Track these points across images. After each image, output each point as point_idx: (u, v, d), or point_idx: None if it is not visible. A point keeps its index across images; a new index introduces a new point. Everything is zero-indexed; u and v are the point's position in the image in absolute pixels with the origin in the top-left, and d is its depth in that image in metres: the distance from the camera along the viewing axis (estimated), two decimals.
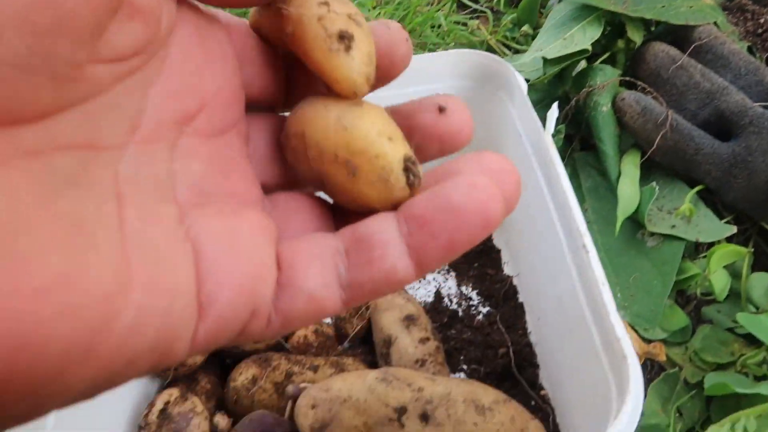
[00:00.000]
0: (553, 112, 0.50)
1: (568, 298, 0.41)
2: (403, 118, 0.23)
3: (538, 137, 0.47)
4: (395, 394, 0.42)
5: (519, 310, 0.55)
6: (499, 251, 0.61)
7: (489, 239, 0.63)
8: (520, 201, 0.51)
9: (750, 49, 0.70)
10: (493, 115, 0.56)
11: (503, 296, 0.56)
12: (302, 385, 0.46)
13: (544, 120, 0.47)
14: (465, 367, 0.52)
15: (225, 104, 0.20)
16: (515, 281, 0.57)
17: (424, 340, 0.49)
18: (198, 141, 0.19)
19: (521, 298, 0.56)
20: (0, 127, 0.13)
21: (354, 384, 0.43)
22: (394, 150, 0.20)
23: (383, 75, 0.23)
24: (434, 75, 0.55)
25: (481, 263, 0.61)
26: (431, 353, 0.49)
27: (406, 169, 0.20)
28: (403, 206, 0.19)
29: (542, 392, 0.49)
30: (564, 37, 0.69)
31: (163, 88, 0.18)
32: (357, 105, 0.21)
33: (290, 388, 0.45)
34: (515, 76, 0.51)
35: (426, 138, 0.22)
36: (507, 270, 0.59)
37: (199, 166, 0.19)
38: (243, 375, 0.48)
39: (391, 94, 0.55)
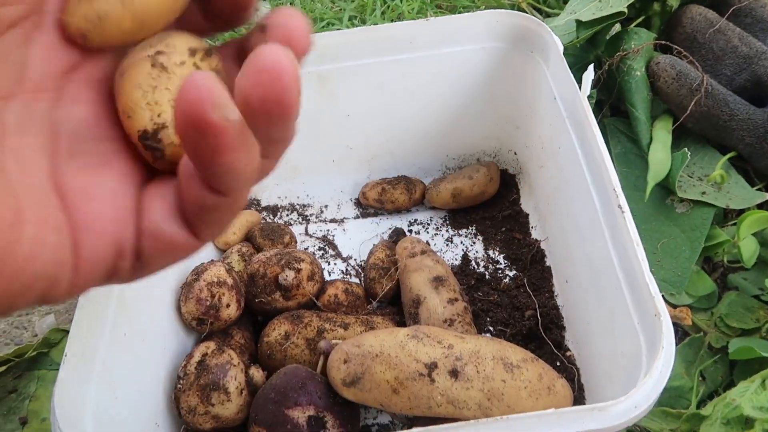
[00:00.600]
0: (589, 73, 0.49)
1: (599, 258, 0.42)
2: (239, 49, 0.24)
3: (573, 99, 0.46)
4: (426, 350, 0.43)
5: (546, 273, 0.56)
6: (527, 215, 0.62)
7: (516, 203, 0.63)
8: (553, 164, 0.51)
9: None
10: (527, 77, 0.56)
11: (530, 260, 0.57)
12: (334, 341, 0.47)
13: (578, 82, 0.47)
14: (491, 328, 0.53)
15: None
16: (543, 245, 0.58)
17: (452, 301, 0.50)
18: (85, 86, 0.21)
19: (549, 261, 0.57)
20: None
21: (385, 340, 0.44)
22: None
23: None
24: (469, 36, 0.55)
25: (508, 227, 0.61)
26: (460, 313, 0.50)
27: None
28: None
29: (568, 353, 0.50)
30: None
31: (48, 39, 0.20)
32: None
33: (323, 344, 0.47)
34: (552, 37, 0.51)
35: None
36: (535, 234, 0.60)
37: (82, 111, 0.21)
38: (276, 331, 0.49)
39: (425, 55, 0.56)
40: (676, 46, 0.62)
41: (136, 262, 0.21)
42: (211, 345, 0.48)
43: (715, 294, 0.56)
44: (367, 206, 0.65)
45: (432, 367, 0.43)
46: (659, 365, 0.31)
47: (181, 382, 0.46)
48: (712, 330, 0.54)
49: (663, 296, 0.54)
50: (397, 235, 0.61)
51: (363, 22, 0.85)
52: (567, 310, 0.52)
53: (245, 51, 0.23)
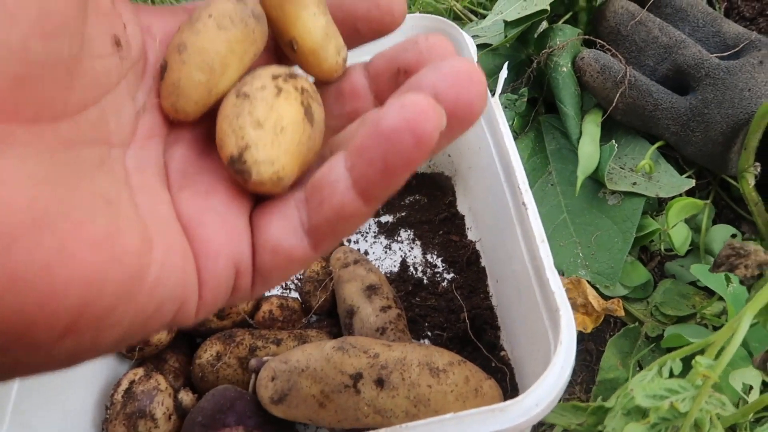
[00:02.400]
0: (503, 74, 0.49)
1: (515, 256, 0.42)
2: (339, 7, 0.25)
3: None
4: (351, 361, 0.43)
5: (481, 274, 0.56)
6: (463, 217, 0.62)
7: (453, 206, 0.63)
8: (477, 164, 0.51)
9: (709, 1, 0.69)
10: None
11: (466, 261, 0.57)
12: (265, 358, 0.46)
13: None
14: (429, 333, 0.53)
15: None
16: (478, 246, 0.58)
17: (385, 309, 0.50)
18: (184, 129, 0.23)
19: (483, 262, 0.57)
20: (46, 123, 0.17)
21: (312, 354, 0.44)
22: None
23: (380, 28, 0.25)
24: (388, 40, 0.55)
25: (445, 230, 0.61)
26: (392, 320, 0.49)
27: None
28: (352, 141, 0.20)
29: (502, 353, 0.50)
30: None
31: (150, 87, 0.23)
32: None
33: (253, 362, 0.46)
34: (465, 40, 0.51)
35: (359, 21, 0.25)
36: (471, 235, 0.60)
37: (185, 150, 0.23)
38: (208, 352, 0.49)
39: (349, 62, 0.56)
40: (598, 40, 0.63)
41: (255, 278, 0.22)
42: (139, 371, 0.47)
43: (651, 283, 0.56)
44: None
45: (357, 377, 0.42)
46: (558, 361, 0.31)
47: (108, 411, 0.45)
48: (648, 319, 0.54)
49: (598, 289, 0.54)
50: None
51: None
52: (500, 310, 0.52)
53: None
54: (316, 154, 0.23)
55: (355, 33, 0.25)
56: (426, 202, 0.64)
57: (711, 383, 0.27)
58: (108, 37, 0.20)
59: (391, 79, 0.24)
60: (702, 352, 0.30)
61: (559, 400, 0.33)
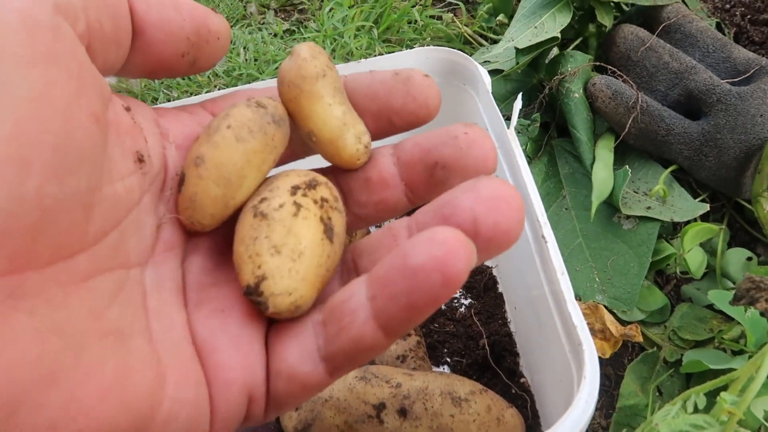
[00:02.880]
0: (517, 104, 0.50)
1: (535, 287, 0.42)
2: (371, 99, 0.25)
3: (501, 130, 0.47)
4: (374, 391, 0.43)
5: (499, 300, 0.56)
6: None
7: None
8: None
9: (719, 25, 0.70)
10: (463, 109, 0.57)
11: (483, 287, 0.57)
12: None
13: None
14: (448, 359, 0.54)
15: None
16: (495, 272, 0.58)
17: (405, 336, 0.51)
18: (202, 237, 0.23)
19: (500, 288, 0.57)
20: (62, 260, 0.16)
21: (335, 384, 0.45)
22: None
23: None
24: None
25: None
26: (412, 348, 0.50)
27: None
28: (374, 268, 0.19)
29: (522, 380, 0.50)
30: (535, 25, 0.69)
31: (169, 200, 0.22)
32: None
33: None
34: (479, 71, 0.52)
35: (394, 114, 0.25)
36: (487, 261, 0.60)
37: (202, 260, 0.22)
38: None
39: None
40: (609, 66, 0.64)
41: (269, 404, 0.21)
42: None
43: (668, 307, 0.56)
44: None
45: (380, 407, 0.43)
46: (583, 396, 0.31)
47: None
48: (666, 344, 0.54)
49: (615, 314, 0.55)
50: None
51: None
52: (519, 336, 0.52)
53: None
54: (336, 267, 0.23)
55: (389, 125, 0.25)
56: None
57: (736, 419, 0.27)
58: (130, 155, 0.19)
59: (426, 170, 0.23)
60: (726, 387, 0.31)
61: None
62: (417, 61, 0.55)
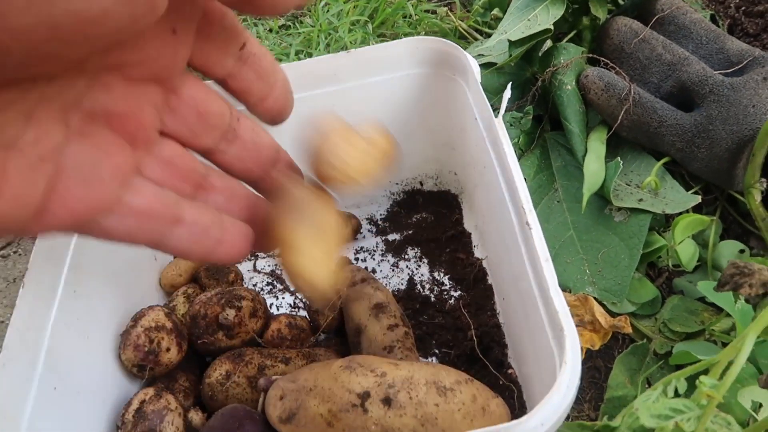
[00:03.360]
0: (507, 93, 0.50)
1: (521, 275, 0.42)
2: None
3: (489, 120, 0.47)
4: (358, 380, 0.43)
5: (488, 291, 0.56)
6: (469, 235, 0.62)
7: (459, 223, 0.63)
8: (482, 183, 0.52)
9: (713, 17, 0.70)
10: (454, 99, 0.56)
11: (473, 279, 0.57)
12: (273, 377, 0.47)
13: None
14: (437, 351, 0.53)
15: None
16: (485, 264, 0.58)
17: (392, 327, 0.50)
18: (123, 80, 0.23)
19: (490, 279, 0.57)
20: None
21: (320, 373, 0.44)
22: None
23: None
24: (391, 64, 0.56)
25: (452, 248, 0.61)
26: (400, 339, 0.50)
27: None
28: None
29: (509, 371, 0.50)
30: (528, 18, 0.69)
31: None
32: None
33: (261, 381, 0.46)
34: (468, 61, 0.51)
35: None
36: (477, 253, 0.60)
37: (108, 96, 0.22)
38: (217, 371, 0.49)
39: (351, 85, 0.57)
40: (602, 58, 0.64)
41: None
42: (150, 391, 0.47)
43: (659, 299, 0.56)
44: None
45: (365, 396, 0.42)
46: (564, 380, 0.31)
47: (119, 431, 0.46)
48: (656, 336, 0.54)
49: (605, 305, 0.54)
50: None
51: (309, 55, 0.87)
52: (508, 328, 0.52)
53: None
54: None
55: None
56: (433, 219, 0.64)
57: (716, 403, 0.27)
58: None
59: None
60: (707, 371, 0.30)
61: (566, 419, 0.34)
62: (407, 51, 0.55)
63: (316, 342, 0.55)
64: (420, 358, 0.51)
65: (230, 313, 0.52)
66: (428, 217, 0.65)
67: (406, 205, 0.66)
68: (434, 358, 0.53)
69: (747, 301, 0.35)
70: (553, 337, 0.36)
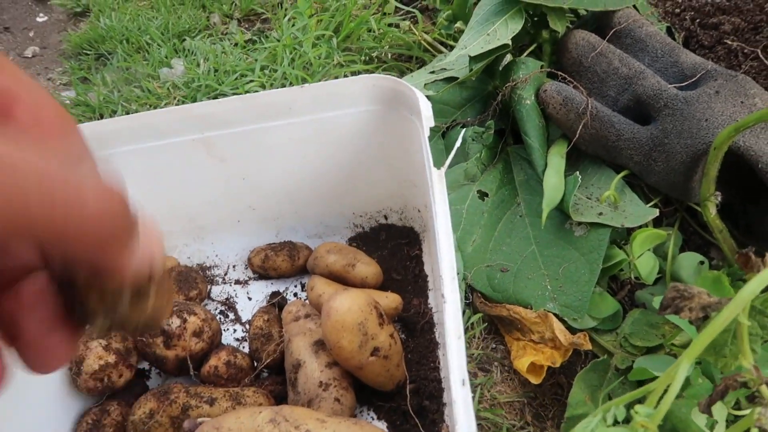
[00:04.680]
0: (458, 143, 0.50)
1: (444, 341, 0.40)
2: None
3: (431, 171, 0.46)
4: None
5: (432, 344, 0.55)
6: (426, 278, 0.61)
7: (419, 263, 0.62)
8: (438, 221, 0.49)
9: (669, 30, 0.70)
10: (410, 138, 0.55)
11: (420, 329, 0.56)
12: (199, 419, 0.45)
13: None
14: (374, 399, 0.52)
15: None
16: (434, 316, 0.57)
17: (330, 365, 0.49)
18: None
19: (437, 332, 0.55)
20: None
21: (244, 423, 0.42)
22: None
23: None
24: (347, 100, 0.55)
25: (408, 290, 0.60)
26: (336, 378, 0.48)
27: None
28: None
29: (443, 426, 0.48)
30: (487, 32, 0.69)
31: None
32: None
33: (186, 424, 0.45)
34: (420, 104, 0.50)
35: None
36: (431, 297, 0.59)
37: None
38: (141, 409, 0.47)
39: (307, 119, 0.56)
40: (560, 73, 0.64)
41: None
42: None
43: (620, 314, 0.56)
44: (254, 272, 0.64)
45: None
46: None
47: None
48: (618, 351, 0.54)
49: (566, 322, 0.54)
50: (276, 299, 0.60)
51: (274, 71, 0.86)
52: (447, 383, 0.50)
53: None
54: None
55: None
56: (393, 257, 0.63)
57: None
58: None
59: None
60: (644, 399, 0.30)
61: None
62: (364, 88, 0.54)
63: (248, 381, 0.54)
64: (355, 401, 0.49)
65: (174, 322, 0.51)
66: (389, 254, 0.63)
67: (369, 239, 0.66)
68: (369, 408, 0.52)
69: (690, 323, 0.35)
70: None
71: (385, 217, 0.66)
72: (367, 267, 0.59)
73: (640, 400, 0.30)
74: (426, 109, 0.49)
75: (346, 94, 0.54)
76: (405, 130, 0.55)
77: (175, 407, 0.47)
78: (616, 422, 0.30)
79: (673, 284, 0.32)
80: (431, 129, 0.49)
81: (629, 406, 0.29)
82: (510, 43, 0.65)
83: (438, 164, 0.45)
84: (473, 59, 0.68)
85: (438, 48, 0.85)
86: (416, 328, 0.56)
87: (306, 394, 0.48)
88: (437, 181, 0.43)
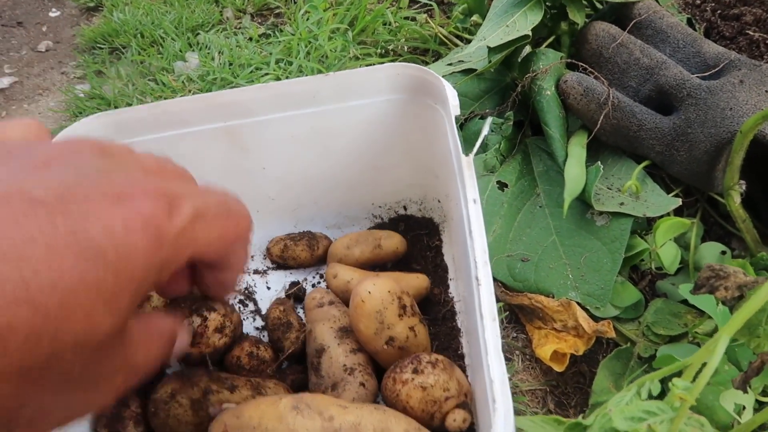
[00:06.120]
0: (484, 130, 0.50)
1: (475, 327, 0.40)
2: None
3: (459, 159, 0.46)
4: (305, 423, 0.41)
5: (455, 331, 0.54)
6: (446, 267, 0.60)
7: (440, 253, 0.62)
8: (457, 217, 0.49)
9: (689, 21, 0.70)
10: (434, 126, 0.54)
11: (443, 318, 0.55)
12: (224, 406, 0.45)
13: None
14: None
15: None
16: (456, 305, 0.56)
17: (355, 351, 0.49)
18: None
19: (459, 320, 0.55)
20: None
21: (266, 411, 0.42)
22: None
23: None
24: (371, 89, 0.55)
25: (430, 281, 0.60)
26: (361, 363, 0.48)
27: None
28: None
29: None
30: (506, 24, 0.69)
31: None
32: None
33: (212, 410, 0.45)
34: (447, 92, 0.49)
35: None
36: (452, 287, 0.58)
37: None
38: (163, 389, 0.47)
39: (331, 108, 0.56)
40: (581, 63, 0.64)
41: None
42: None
43: (642, 303, 0.56)
44: (273, 262, 0.64)
45: None
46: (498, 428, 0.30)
47: None
48: (640, 339, 0.53)
49: (588, 310, 0.54)
50: (294, 289, 0.60)
51: (290, 64, 0.86)
52: (471, 371, 0.49)
53: None
54: None
55: None
56: (413, 247, 0.63)
57: (688, 405, 0.26)
58: None
59: None
60: (680, 373, 0.30)
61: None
62: (389, 76, 0.54)
63: (271, 371, 0.53)
64: (377, 388, 0.49)
65: (195, 321, 0.51)
66: (408, 245, 0.63)
67: (388, 229, 0.65)
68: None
69: (723, 303, 0.34)
70: (491, 401, 0.34)
71: (405, 208, 0.66)
72: (391, 239, 0.59)
73: (673, 377, 0.30)
74: (453, 97, 0.49)
75: (371, 82, 0.54)
76: (428, 120, 0.55)
77: (195, 390, 0.47)
78: (650, 396, 0.30)
79: (708, 264, 0.32)
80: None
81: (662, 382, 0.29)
82: (530, 34, 0.65)
83: (465, 152, 0.45)
84: (492, 51, 0.68)
85: (454, 41, 0.85)
86: (438, 316, 0.56)
87: (330, 377, 0.48)
88: (466, 167, 0.43)
